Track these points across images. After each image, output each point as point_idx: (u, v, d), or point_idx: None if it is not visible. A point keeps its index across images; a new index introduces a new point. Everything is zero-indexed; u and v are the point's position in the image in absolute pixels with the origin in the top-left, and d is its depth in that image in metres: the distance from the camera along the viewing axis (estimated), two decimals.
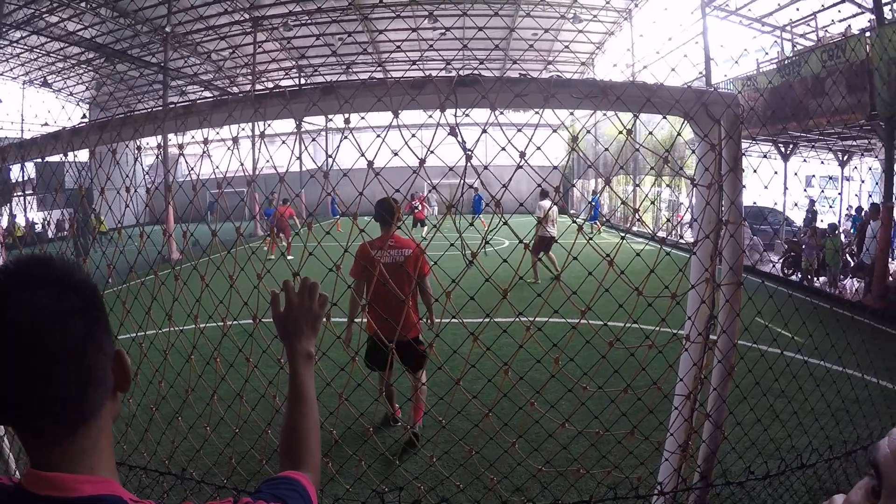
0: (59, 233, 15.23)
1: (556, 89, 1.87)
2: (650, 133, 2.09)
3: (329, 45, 20.02)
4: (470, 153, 1.74)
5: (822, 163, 16.26)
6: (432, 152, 1.66)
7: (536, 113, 1.80)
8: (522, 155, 1.81)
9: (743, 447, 2.83)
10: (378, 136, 1.69)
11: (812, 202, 15.12)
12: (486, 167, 1.68)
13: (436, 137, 1.76)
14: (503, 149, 1.68)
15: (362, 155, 1.82)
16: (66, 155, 2.46)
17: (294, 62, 22.56)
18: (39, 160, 2.60)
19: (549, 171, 1.92)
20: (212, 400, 2.36)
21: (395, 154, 1.73)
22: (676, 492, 2.31)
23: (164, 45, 16.51)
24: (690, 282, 2.20)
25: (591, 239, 1.83)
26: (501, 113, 1.78)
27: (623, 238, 1.84)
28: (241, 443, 2.45)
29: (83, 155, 2.49)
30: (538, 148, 1.66)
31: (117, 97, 20.44)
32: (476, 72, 1.82)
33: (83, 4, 14.61)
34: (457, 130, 1.78)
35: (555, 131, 1.79)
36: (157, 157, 2.94)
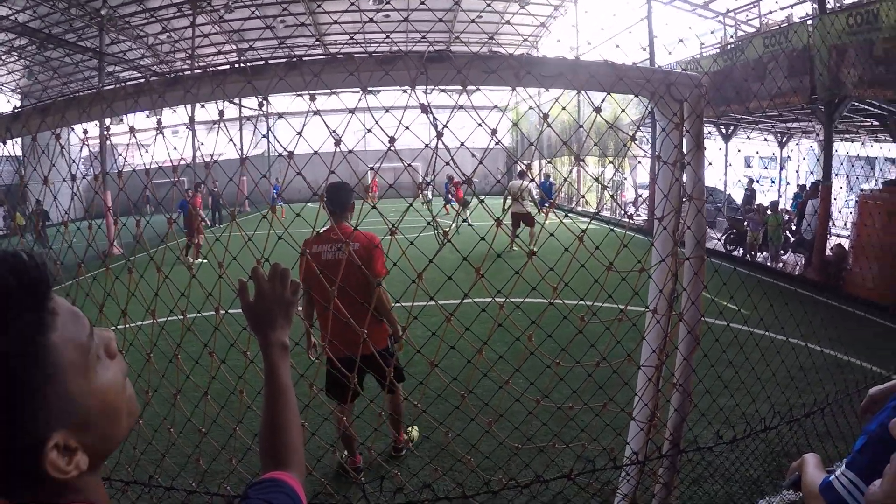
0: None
1: (529, 67, 1.85)
2: (623, 111, 2.10)
3: (271, 27, 19.44)
4: (443, 130, 1.71)
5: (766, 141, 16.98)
6: (407, 128, 1.61)
7: (514, 90, 1.78)
8: (494, 133, 1.79)
9: (710, 414, 2.93)
10: (350, 111, 1.63)
11: (750, 181, 15.74)
12: (462, 144, 1.65)
13: (396, 118, 1.72)
14: (480, 125, 1.65)
15: (332, 133, 1.75)
16: (3, 143, 2.28)
17: (234, 45, 21.83)
18: None
19: (529, 149, 1.90)
20: (175, 400, 2.25)
21: (369, 131, 1.67)
22: (649, 460, 2.38)
23: (99, 28, 15.61)
24: (660, 254, 2.25)
25: (566, 215, 1.83)
26: (477, 89, 1.74)
27: (593, 217, 1.85)
28: (210, 443, 2.36)
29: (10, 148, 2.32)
30: (515, 125, 1.64)
31: (51, 86, 19.23)
32: (447, 48, 1.79)
33: None
34: (429, 108, 1.74)
35: (530, 108, 1.77)
36: (86, 147, 2.74)
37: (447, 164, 1.63)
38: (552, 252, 2.07)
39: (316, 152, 1.73)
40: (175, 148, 2.20)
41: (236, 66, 1.83)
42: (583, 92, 2.03)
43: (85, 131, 2.28)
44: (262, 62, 1.84)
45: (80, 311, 0.68)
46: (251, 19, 16.54)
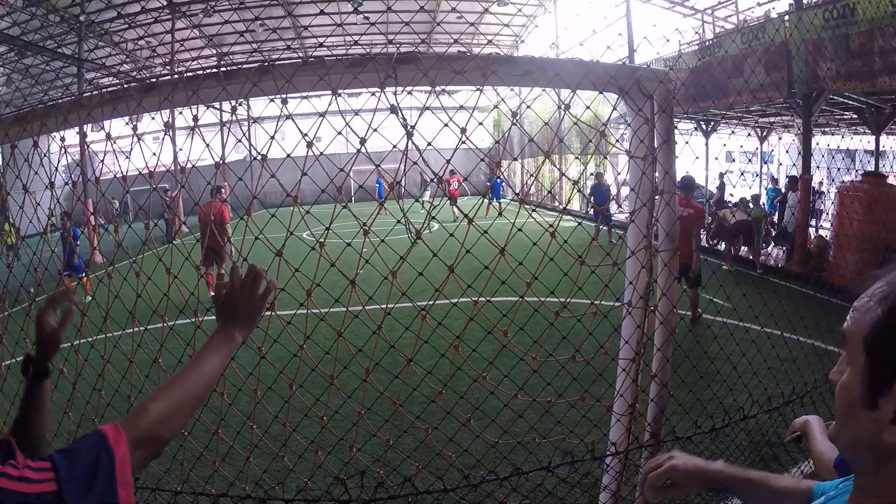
0: None
1: (496, 66, 1.89)
2: (588, 108, 2.14)
3: (251, 31, 19.38)
4: (412, 131, 1.74)
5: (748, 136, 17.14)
6: (375, 130, 1.65)
7: (478, 90, 1.82)
8: (463, 131, 1.83)
9: (688, 405, 2.98)
10: (320, 115, 1.66)
11: (721, 175, 15.83)
12: (429, 144, 1.68)
13: (374, 120, 1.75)
14: (446, 125, 1.69)
15: (304, 136, 1.78)
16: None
17: (214, 49, 21.73)
18: None
19: (510, 144, 1.95)
20: None
21: (339, 133, 1.70)
22: (629, 451, 2.42)
23: (78, 35, 15.45)
24: (629, 249, 2.29)
25: (534, 211, 1.87)
26: (443, 91, 1.78)
27: (563, 212, 1.89)
28: (193, 446, 2.38)
29: None
30: (480, 123, 1.68)
31: (31, 94, 18.99)
32: (415, 49, 1.82)
33: None
34: (398, 109, 1.77)
35: (496, 107, 1.81)
36: (66, 155, 2.74)
37: (414, 163, 1.67)
38: (526, 248, 2.11)
39: (289, 155, 1.76)
40: (154, 154, 2.21)
41: (209, 71, 1.85)
42: (552, 90, 2.09)
43: (62, 139, 2.30)
44: (235, 67, 1.86)
45: None
46: (231, 23, 16.42)
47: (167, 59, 18.89)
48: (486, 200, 9.56)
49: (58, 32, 15.84)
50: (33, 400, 1.24)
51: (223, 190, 8.07)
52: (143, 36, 18.10)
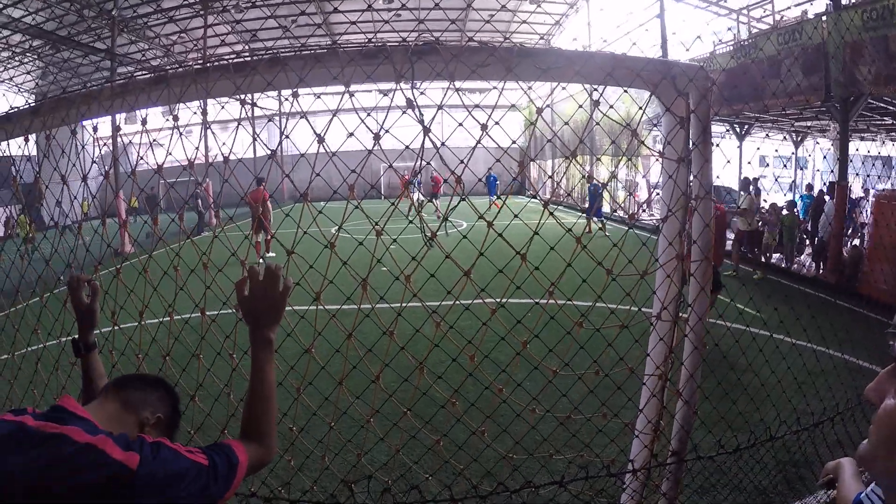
0: (7, 231, 14.44)
1: (519, 59, 1.78)
2: (611, 107, 2.02)
3: (283, 27, 19.56)
4: (428, 128, 1.66)
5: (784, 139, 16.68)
6: (387, 131, 1.57)
7: (495, 88, 1.72)
8: (484, 127, 1.73)
9: (712, 421, 2.84)
10: (333, 113, 1.58)
11: (756, 180, 15.44)
12: (443, 143, 1.60)
13: (390, 117, 1.68)
14: (460, 124, 1.60)
15: (318, 136, 1.71)
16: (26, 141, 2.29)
17: (245, 45, 21.98)
18: None
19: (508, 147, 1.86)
20: None
21: (351, 134, 1.62)
22: (648, 468, 2.30)
23: (111, 29, 15.77)
24: (657, 259, 2.16)
25: (552, 213, 1.77)
26: (459, 90, 1.69)
27: (594, 218, 1.79)
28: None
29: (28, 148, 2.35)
30: (496, 123, 1.59)
31: (64, 86, 19.48)
32: (434, 40, 1.73)
33: None
34: (414, 104, 1.69)
35: (513, 105, 1.72)
36: (102, 145, 2.73)
37: (429, 163, 1.58)
38: (548, 248, 2.00)
39: (303, 155, 1.70)
40: (197, 149, 2.19)
41: (217, 64, 1.79)
42: (588, 87, 1.97)
43: (73, 132, 2.27)
44: (242, 59, 1.80)
45: None
46: (262, 19, 16.61)
47: (200, 54, 19.18)
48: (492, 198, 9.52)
49: (92, 26, 16.20)
50: (89, 370, 1.53)
51: (264, 180, 10.49)
52: (176, 32, 18.40)
